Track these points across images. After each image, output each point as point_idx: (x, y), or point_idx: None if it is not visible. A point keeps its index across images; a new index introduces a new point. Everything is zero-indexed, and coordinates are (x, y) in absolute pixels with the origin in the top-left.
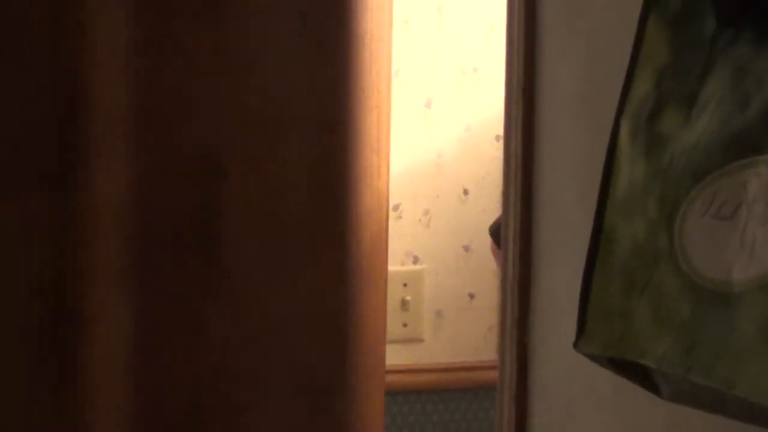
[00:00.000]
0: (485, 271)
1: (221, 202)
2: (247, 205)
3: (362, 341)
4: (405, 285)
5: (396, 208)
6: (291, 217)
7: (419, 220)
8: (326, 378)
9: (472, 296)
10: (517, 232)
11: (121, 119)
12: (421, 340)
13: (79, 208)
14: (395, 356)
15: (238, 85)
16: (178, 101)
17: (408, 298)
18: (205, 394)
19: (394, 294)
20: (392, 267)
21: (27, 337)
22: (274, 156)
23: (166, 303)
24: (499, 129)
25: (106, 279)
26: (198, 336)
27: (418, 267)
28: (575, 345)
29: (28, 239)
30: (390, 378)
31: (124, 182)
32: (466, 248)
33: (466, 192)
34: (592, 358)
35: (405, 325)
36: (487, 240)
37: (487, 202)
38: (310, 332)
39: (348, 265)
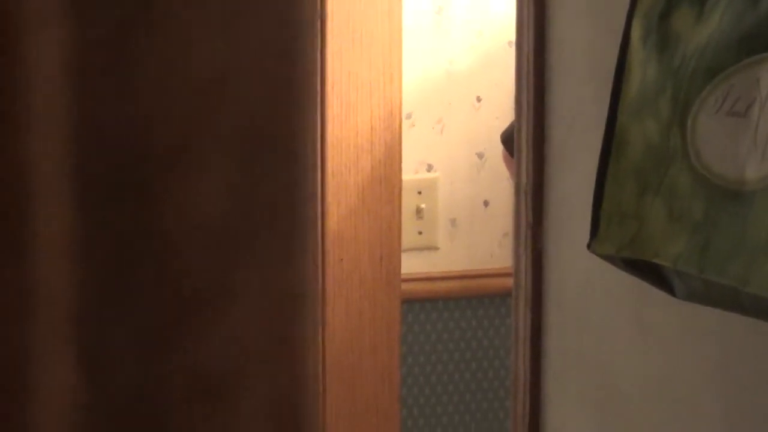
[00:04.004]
0: (499, 178)
1: None
2: None
3: (309, 92)
4: (419, 193)
5: (409, 116)
6: None
7: (432, 128)
8: (269, 134)
9: (486, 203)
10: (530, 138)
11: None
12: (436, 248)
13: None
14: (411, 264)
15: None
16: None
17: (422, 206)
18: (141, 134)
19: (408, 202)
20: (406, 176)
21: None
22: None
23: (98, 44)
24: (512, 35)
25: (37, 20)
26: (131, 79)
27: (432, 175)
28: (589, 246)
29: None
30: (406, 286)
31: None
32: (480, 155)
33: (479, 99)
34: (606, 258)
35: (420, 233)
36: (501, 148)
37: (500, 109)
38: (253, 82)
39: (292, 13)
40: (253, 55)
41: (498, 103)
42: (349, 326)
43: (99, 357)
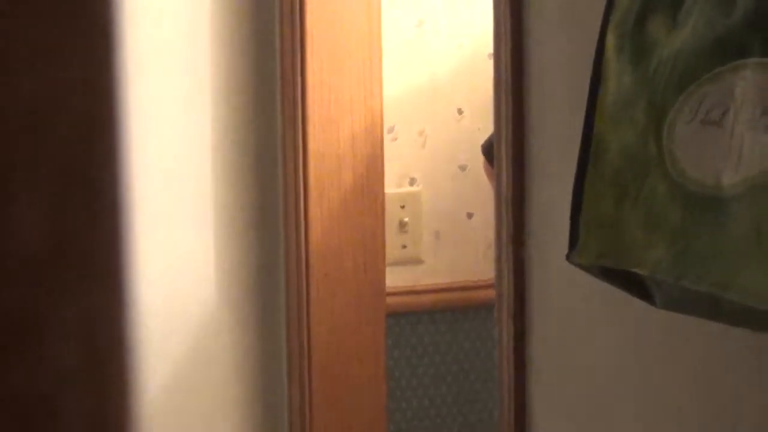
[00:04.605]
0: (482, 190)
1: None
2: None
3: (115, 129)
4: (402, 207)
5: (391, 130)
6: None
7: (415, 141)
8: (79, 169)
9: (470, 215)
10: (510, 149)
11: None
12: (420, 261)
13: None
14: (395, 278)
15: None
16: None
17: (406, 219)
18: None
19: (392, 216)
20: (389, 189)
21: None
22: None
23: None
24: (492, 47)
25: None
26: None
27: (415, 188)
28: (568, 257)
29: None
30: (391, 300)
31: None
32: (463, 168)
33: (460, 111)
34: (585, 268)
35: (404, 246)
36: (482, 159)
37: (482, 120)
38: (63, 120)
39: (100, 52)
40: (61, 94)
41: (479, 114)
42: (334, 338)
43: None
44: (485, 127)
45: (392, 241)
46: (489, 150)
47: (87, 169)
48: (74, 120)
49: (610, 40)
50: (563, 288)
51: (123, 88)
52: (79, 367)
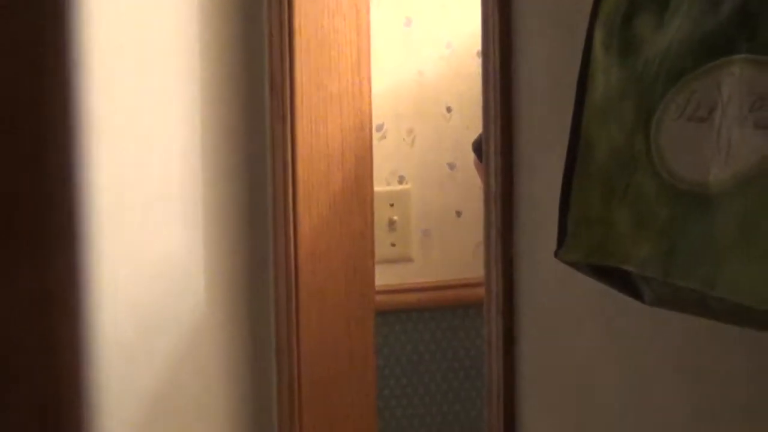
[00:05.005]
0: (471, 188)
1: None
2: None
3: (56, 83)
4: (392, 205)
5: (380, 128)
6: None
7: (403, 139)
8: (18, 123)
9: (459, 213)
10: (498, 147)
11: None
12: (410, 260)
13: None
14: (385, 276)
15: None
16: None
17: (395, 218)
18: None
19: (381, 214)
20: (378, 187)
21: None
22: None
23: None
24: (480, 45)
25: None
26: None
27: (404, 186)
28: (556, 253)
29: None
30: (380, 298)
31: None
32: (452, 166)
33: (449, 109)
34: (574, 265)
35: (393, 245)
36: (472, 156)
37: (471, 118)
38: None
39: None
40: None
41: (468, 112)
42: (323, 338)
43: None
44: (473, 125)
45: (381, 240)
46: (480, 147)
47: (25, 121)
48: (11, 71)
49: (598, 38)
50: (552, 285)
51: (62, 37)
52: (25, 337)
